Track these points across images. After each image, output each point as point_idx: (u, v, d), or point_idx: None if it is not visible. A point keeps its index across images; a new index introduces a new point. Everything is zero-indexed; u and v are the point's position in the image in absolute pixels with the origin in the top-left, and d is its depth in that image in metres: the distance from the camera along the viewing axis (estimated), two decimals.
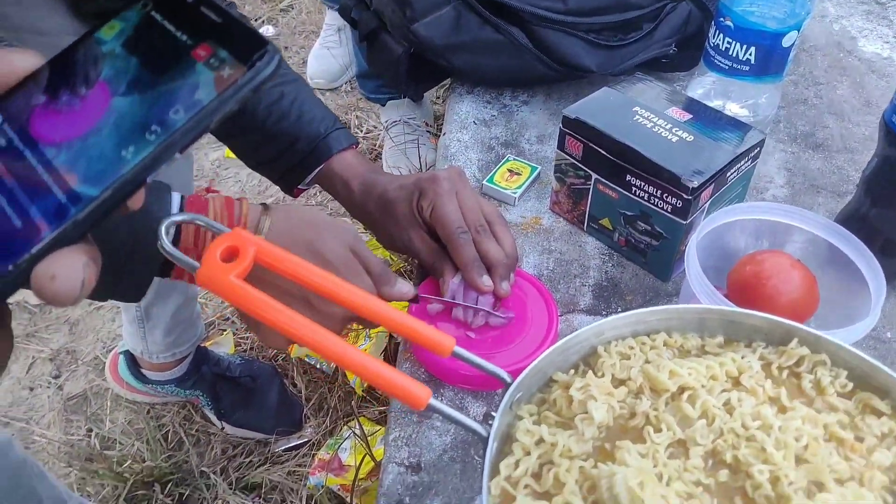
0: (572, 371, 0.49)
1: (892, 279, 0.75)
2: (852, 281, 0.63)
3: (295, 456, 1.38)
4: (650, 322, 0.51)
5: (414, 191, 0.71)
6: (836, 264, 0.65)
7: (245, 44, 0.30)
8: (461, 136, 0.96)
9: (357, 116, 2.19)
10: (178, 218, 0.46)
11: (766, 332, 0.51)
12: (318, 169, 0.73)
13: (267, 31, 2.69)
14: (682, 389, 0.46)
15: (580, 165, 0.76)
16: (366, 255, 0.65)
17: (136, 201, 0.30)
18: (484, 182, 0.87)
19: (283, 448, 1.40)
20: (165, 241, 0.44)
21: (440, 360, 0.67)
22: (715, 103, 0.90)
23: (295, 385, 1.48)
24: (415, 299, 0.68)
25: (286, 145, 0.72)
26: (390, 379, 0.42)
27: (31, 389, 1.49)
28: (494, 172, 0.88)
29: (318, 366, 1.50)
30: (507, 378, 0.46)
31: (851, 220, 0.75)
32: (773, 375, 0.49)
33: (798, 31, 0.79)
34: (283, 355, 1.51)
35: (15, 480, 0.83)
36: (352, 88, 2.33)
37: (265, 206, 0.63)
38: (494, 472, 0.44)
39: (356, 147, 0.76)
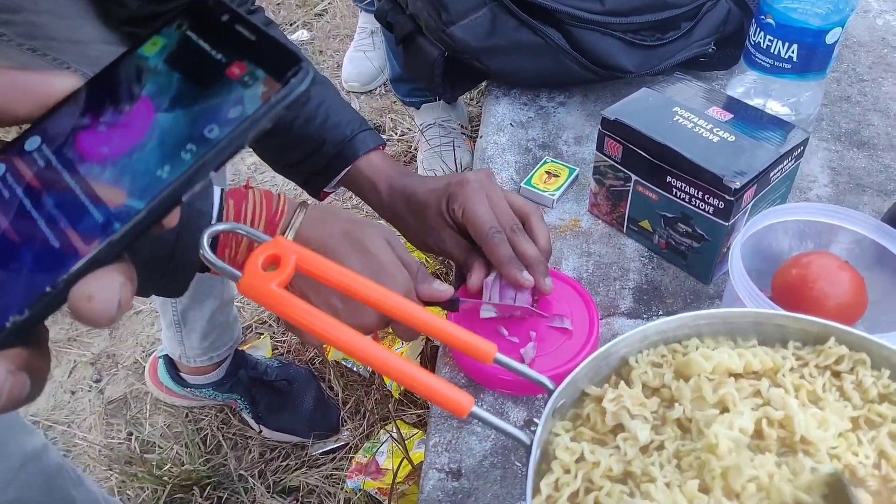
0: (605, 385, 0.48)
1: None
2: None
3: (332, 459, 1.39)
4: (679, 330, 0.50)
5: (444, 194, 0.70)
6: (885, 265, 0.63)
7: (279, 61, 0.30)
8: (498, 138, 0.95)
9: (392, 119, 2.20)
10: (220, 227, 0.46)
11: (800, 332, 0.49)
12: (345, 171, 0.73)
13: (301, 35, 2.71)
14: (713, 382, 0.46)
15: (619, 167, 0.75)
16: (402, 251, 0.64)
17: (172, 219, 0.30)
18: (522, 184, 0.86)
19: (321, 451, 1.40)
20: (207, 251, 0.44)
21: (480, 365, 0.67)
22: (755, 102, 0.88)
23: (332, 388, 1.48)
24: (452, 304, 0.68)
25: (313, 148, 0.73)
26: (432, 386, 0.42)
27: (73, 393, 1.51)
28: (532, 175, 0.87)
29: (354, 369, 1.50)
30: (550, 384, 0.45)
31: None
32: (811, 375, 0.48)
33: (843, 28, 0.77)
34: (321, 358, 1.52)
35: (49, 485, 0.84)
36: (386, 91, 2.34)
37: (303, 202, 0.63)
38: (536, 483, 0.43)
39: (383, 148, 0.76)
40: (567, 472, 0.44)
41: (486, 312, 0.69)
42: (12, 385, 0.27)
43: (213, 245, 0.60)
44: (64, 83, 0.30)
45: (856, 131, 0.91)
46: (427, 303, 0.66)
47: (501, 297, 0.69)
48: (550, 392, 0.46)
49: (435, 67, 1.00)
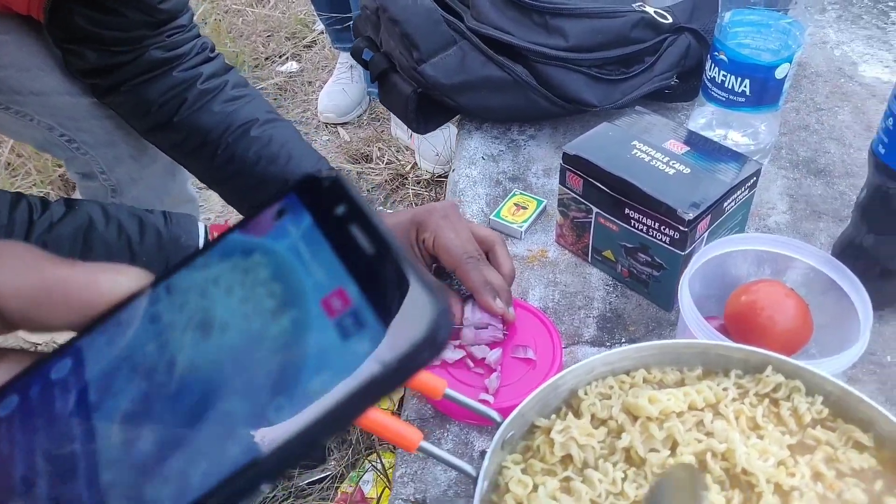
0: (554, 416, 0.51)
1: (893, 303, 0.76)
2: (847, 309, 0.63)
3: (319, 489, 1.40)
4: (624, 362, 0.52)
5: (411, 224, 0.72)
6: (832, 293, 0.65)
7: (400, 296, 0.20)
8: (470, 171, 0.98)
9: (379, 148, 2.24)
10: None
11: (741, 361, 0.52)
12: None
13: (291, 66, 2.75)
14: (658, 420, 0.48)
15: (581, 199, 0.78)
16: None
17: None
18: (491, 217, 0.89)
19: (307, 482, 1.41)
20: None
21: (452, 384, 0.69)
22: (717, 132, 0.92)
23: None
24: None
25: (277, 188, 0.75)
26: (382, 422, 0.44)
27: None
28: (501, 207, 0.90)
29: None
30: (498, 418, 0.48)
31: (849, 248, 0.75)
32: (751, 404, 0.50)
33: (790, 63, 0.80)
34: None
35: None
36: (371, 121, 2.38)
37: None
38: None
39: None
40: None
41: (454, 354, 0.71)
42: None
43: None
44: (120, 284, 0.23)
45: (813, 159, 0.95)
46: None
47: (477, 325, 0.71)
48: (499, 425, 0.48)
49: (409, 103, 1.03)
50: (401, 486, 0.65)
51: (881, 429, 0.47)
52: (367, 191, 2.09)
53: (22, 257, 0.22)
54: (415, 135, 2.16)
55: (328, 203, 0.22)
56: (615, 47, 0.96)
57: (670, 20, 0.97)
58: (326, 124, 2.38)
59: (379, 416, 0.44)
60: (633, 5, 0.97)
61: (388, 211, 1.97)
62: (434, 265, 0.74)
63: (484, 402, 0.65)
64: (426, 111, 1.05)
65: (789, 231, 0.86)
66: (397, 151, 2.19)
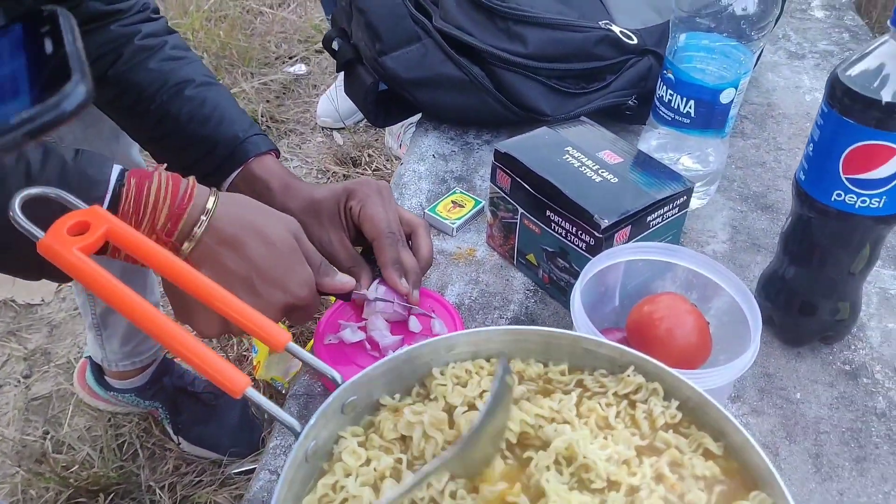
0: (398, 396, 0.49)
1: (810, 340, 0.74)
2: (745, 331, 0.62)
3: (247, 479, 1.37)
4: (488, 344, 0.51)
5: (343, 193, 0.72)
6: (736, 314, 0.64)
7: (52, 69, 0.27)
8: (417, 167, 0.97)
9: (369, 154, 2.24)
10: (33, 191, 0.47)
11: (609, 361, 0.50)
12: (237, 172, 0.75)
13: (299, 69, 2.77)
14: None
15: (508, 199, 0.77)
16: (307, 246, 0.65)
17: None
18: (426, 211, 0.88)
19: (237, 471, 1.39)
20: (17, 212, 0.45)
21: (345, 364, 0.67)
22: (669, 156, 0.90)
23: (259, 408, 1.48)
24: (346, 295, 0.69)
25: (207, 149, 0.74)
26: (210, 362, 0.42)
27: (0, 387, 1.51)
28: (438, 202, 0.89)
29: (283, 391, 1.50)
30: (339, 378, 0.46)
31: (772, 279, 0.74)
32: (607, 404, 0.48)
33: (736, 89, 0.79)
34: (251, 377, 1.51)
35: None
36: (366, 128, 2.39)
37: (214, 189, 0.63)
38: (298, 473, 0.43)
39: (277, 155, 0.78)
40: (348, 475, 0.45)
41: (354, 336, 0.70)
42: None
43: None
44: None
45: (763, 195, 0.93)
46: (324, 293, 0.67)
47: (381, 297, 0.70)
48: (338, 385, 0.46)
49: (368, 94, 1.02)
50: (272, 457, 0.63)
51: (732, 439, 0.45)
52: None
53: None
54: (404, 144, 2.17)
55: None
56: (576, 60, 0.95)
57: (636, 41, 0.97)
58: (323, 128, 2.39)
59: (209, 356, 0.43)
60: (600, 22, 0.97)
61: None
62: (355, 237, 0.73)
63: None
64: (387, 105, 1.05)
65: (724, 260, 0.84)
66: (387, 160, 2.19)
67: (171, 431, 1.41)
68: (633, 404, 0.48)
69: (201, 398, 1.41)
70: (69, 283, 1.61)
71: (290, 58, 2.85)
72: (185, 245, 0.58)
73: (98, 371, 1.38)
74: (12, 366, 1.54)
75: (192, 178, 0.61)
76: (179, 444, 1.40)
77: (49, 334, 1.61)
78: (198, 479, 1.37)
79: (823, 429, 0.67)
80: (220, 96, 0.77)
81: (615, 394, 0.48)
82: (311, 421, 0.43)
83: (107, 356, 1.30)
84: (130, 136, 0.82)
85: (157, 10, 0.81)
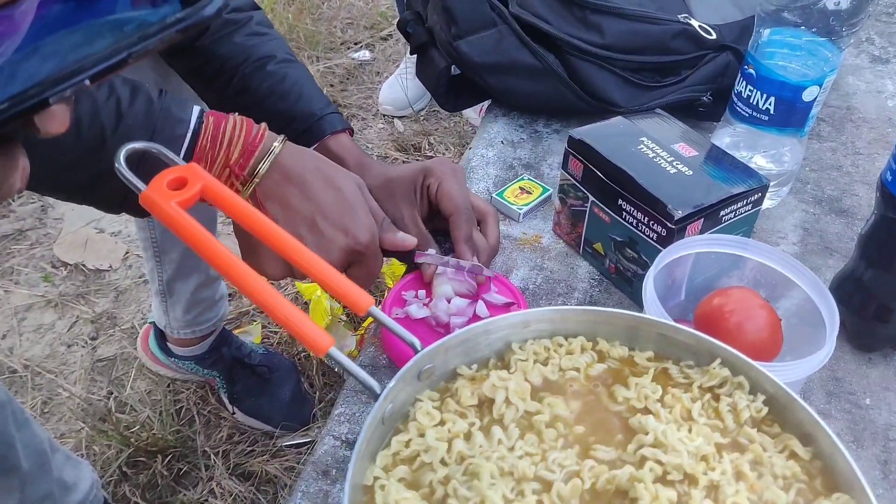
0: (475, 366, 0.50)
1: (884, 346, 0.72)
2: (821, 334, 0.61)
3: (297, 453, 1.40)
4: (576, 322, 0.51)
5: (421, 171, 0.74)
6: (810, 316, 0.63)
7: None
8: (485, 152, 0.98)
9: (430, 141, 2.26)
10: (137, 145, 0.50)
11: (694, 350, 0.50)
12: (313, 148, 0.77)
13: (363, 55, 2.79)
14: None
15: (579, 186, 0.77)
16: (371, 200, 0.68)
17: (51, 124, 0.30)
18: (493, 195, 0.89)
19: (287, 444, 1.42)
20: (122, 164, 0.48)
21: (401, 348, 0.69)
22: (742, 153, 0.89)
23: (311, 385, 1.51)
24: (409, 256, 0.70)
25: (284, 124, 0.76)
26: (295, 320, 0.44)
27: (69, 346, 1.57)
28: (506, 188, 0.89)
29: (336, 369, 1.52)
30: (419, 345, 0.47)
31: (847, 281, 0.72)
32: (692, 399, 0.48)
33: (820, 87, 0.77)
34: (306, 353, 1.55)
35: None
36: (428, 116, 2.40)
37: (283, 136, 0.66)
38: (378, 432, 0.44)
39: (351, 134, 0.80)
40: (421, 435, 0.46)
41: (419, 311, 0.71)
42: None
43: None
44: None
45: (838, 198, 0.91)
46: (386, 253, 0.69)
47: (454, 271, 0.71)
48: (417, 352, 0.47)
49: (440, 78, 1.03)
50: (336, 423, 0.65)
51: (820, 443, 0.45)
52: None
53: None
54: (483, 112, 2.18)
55: None
56: (652, 53, 0.94)
57: (714, 36, 0.96)
58: (384, 115, 2.41)
59: (295, 314, 0.44)
60: (679, 16, 0.96)
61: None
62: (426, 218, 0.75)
63: None
64: (458, 89, 1.05)
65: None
66: (445, 148, 2.20)
67: (226, 401, 1.44)
68: (716, 397, 0.48)
69: (257, 370, 1.44)
70: (137, 253, 1.66)
71: (356, 43, 2.88)
72: (259, 171, 0.62)
73: (161, 338, 1.42)
74: (80, 327, 1.60)
75: (263, 123, 0.64)
76: (234, 413, 1.44)
77: (115, 299, 1.67)
78: (250, 448, 1.41)
79: (893, 436, 0.66)
80: (300, 73, 0.79)
81: (700, 387, 0.48)
82: (391, 383, 0.44)
83: (170, 323, 1.34)
84: (209, 106, 0.84)
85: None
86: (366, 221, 0.64)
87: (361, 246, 0.64)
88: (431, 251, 0.71)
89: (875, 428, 0.66)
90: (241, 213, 0.48)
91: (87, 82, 0.29)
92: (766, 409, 0.48)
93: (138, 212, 0.63)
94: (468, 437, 0.45)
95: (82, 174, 0.58)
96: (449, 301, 0.71)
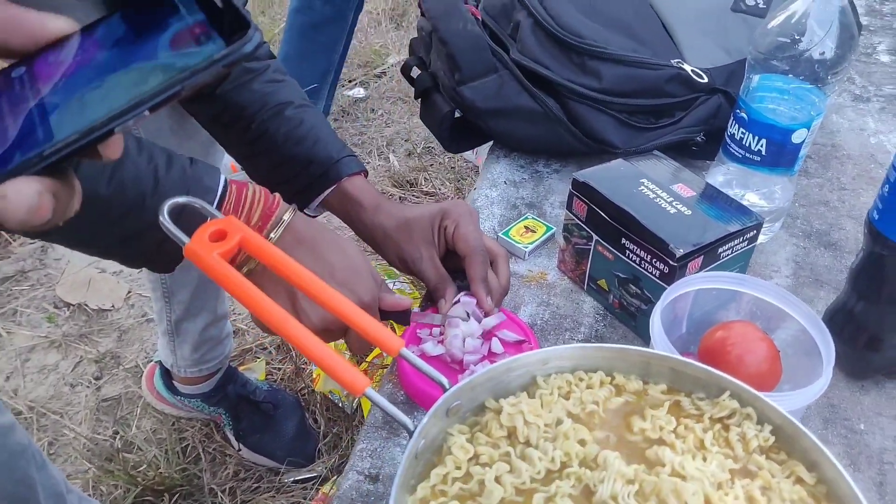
0: (501, 401, 0.53)
1: (876, 374, 0.76)
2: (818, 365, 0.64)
3: (303, 489, 1.42)
4: (595, 358, 0.54)
5: (438, 212, 0.78)
6: (805, 346, 0.66)
7: (230, 22, 0.34)
8: (489, 192, 1.02)
9: (425, 178, 2.30)
10: (180, 200, 0.53)
11: (704, 383, 0.53)
12: (330, 190, 0.80)
13: (357, 92, 2.85)
14: None
15: (583, 226, 0.81)
16: (370, 266, 0.70)
17: (112, 151, 0.33)
18: (500, 234, 0.92)
19: (293, 480, 1.43)
20: (165, 217, 0.51)
21: (418, 385, 0.72)
22: (735, 192, 0.93)
23: (315, 420, 1.52)
24: (405, 316, 0.73)
25: (301, 167, 0.80)
26: (333, 363, 0.47)
27: (73, 386, 1.58)
28: (511, 227, 0.93)
29: (340, 404, 1.54)
30: (447, 384, 0.50)
31: (839, 313, 0.76)
32: (703, 429, 0.51)
33: (808, 130, 0.82)
34: (310, 389, 1.57)
35: (11, 464, 0.85)
36: (424, 153, 2.45)
37: (293, 205, 0.69)
38: (414, 468, 0.47)
39: (366, 175, 0.83)
40: (458, 468, 0.49)
41: (434, 349, 0.74)
42: (40, 203, 0.31)
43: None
44: (58, 25, 0.34)
45: (826, 232, 0.96)
46: (384, 315, 0.72)
47: (450, 328, 0.74)
48: (446, 390, 0.50)
49: (444, 122, 1.08)
50: (358, 459, 0.67)
51: (824, 469, 0.48)
52: None
53: None
54: (479, 156, 2.22)
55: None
56: (647, 96, 0.99)
57: (706, 80, 1.00)
58: (379, 150, 2.46)
59: (333, 357, 0.47)
60: (672, 61, 1.01)
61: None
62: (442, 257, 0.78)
63: None
64: (460, 132, 1.10)
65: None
66: (441, 184, 2.24)
67: (232, 438, 1.46)
68: (726, 427, 0.51)
69: (261, 407, 1.46)
70: (139, 292, 1.68)
71: (350, 81, 2.93)
72: (272, 236, 0.66)
73: (167, 376, 1.44)
74: (84, 367, 1.62)
75: (277, 193, 0.69)
76: (240, 450, 1.45)
77: (118, 339, 1.69)
78: (256, 484, 1.42)
79: (888, 459, 0.69)
80: (316, 118, 0.83)
81: (710, 417, 0.52)
82: (424, 420, 0.47)
83: (177, 362, 1.36)
84: (227, 151, 0.88)
85: (262, 36, 0.87)
86: (370, 284, 0.68)
87: (365, 305, 0.67)
88: (428, 313, 0.74)
89: (870, 452, 0.70)
90: (278, 264, 0.51)
91: (147, 112, 0.32)
92: (773, 439, 0.51)
93: (160, 268, 0.67)
94: (506, 459, 0.48)
95: (121, 230, 0.62)
96: (464, 340, 0.74)
